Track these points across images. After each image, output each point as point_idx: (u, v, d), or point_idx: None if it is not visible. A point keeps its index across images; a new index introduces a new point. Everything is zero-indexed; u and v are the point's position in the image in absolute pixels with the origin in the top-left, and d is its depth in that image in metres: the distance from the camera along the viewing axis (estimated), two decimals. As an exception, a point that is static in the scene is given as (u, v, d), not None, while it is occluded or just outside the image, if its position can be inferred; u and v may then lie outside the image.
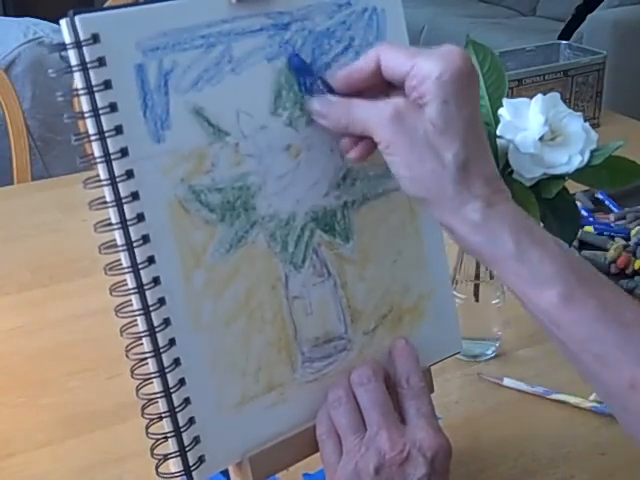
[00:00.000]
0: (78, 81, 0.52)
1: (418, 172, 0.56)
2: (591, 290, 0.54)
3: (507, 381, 0.83)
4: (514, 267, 0.55)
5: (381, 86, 0.59)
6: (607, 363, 0.53)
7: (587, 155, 0.77)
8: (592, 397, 0.80)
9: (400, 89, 0.57)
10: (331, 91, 0.60)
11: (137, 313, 0.55)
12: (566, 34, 3.18)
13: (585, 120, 0.79)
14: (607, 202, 1.18)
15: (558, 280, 0.53)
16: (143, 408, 0.56)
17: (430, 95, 0.55)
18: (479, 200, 0.55)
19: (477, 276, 0.85)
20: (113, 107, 0.52)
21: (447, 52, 0.55)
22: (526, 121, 0.78)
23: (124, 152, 0.53)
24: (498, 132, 0.78)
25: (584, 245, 1.06)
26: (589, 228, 1.09)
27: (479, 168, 0.56)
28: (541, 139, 0.77)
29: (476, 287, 0.85)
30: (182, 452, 0.57)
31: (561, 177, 0.78)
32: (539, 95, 0.79)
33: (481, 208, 0.55)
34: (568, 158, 0.77)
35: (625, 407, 0.54)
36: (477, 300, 0.85)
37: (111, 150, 0.53)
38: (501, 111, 0.79)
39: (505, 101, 0.79)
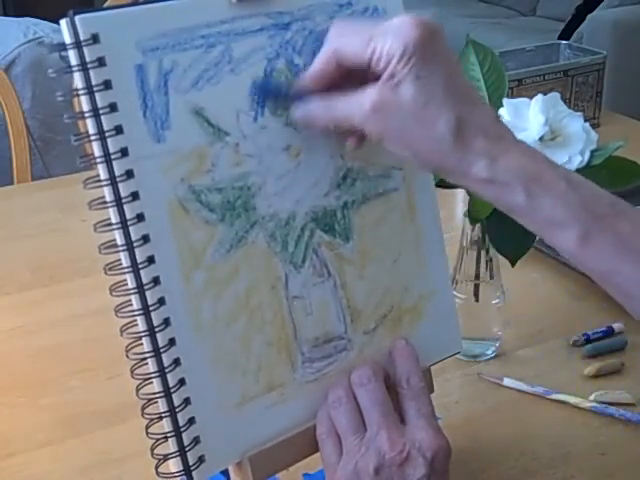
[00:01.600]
0: (78, 81, 0.52)
1: (417, 150, 0.56)
2: (607, 224, 0.54)
3: (507, 381, 0.83)
4: (529, 215, 0.55)
5: (354, 70, 0.57)
6: (630, 294, 0.55)
7: (587, 155, 0.77)
8: (592, 397, 0.80)
9: (371, 72, 0.56)
10: (305, 96, 0.59)
11: (137, 313, 0.55)
12: (566, 34, 3.18)
13: (585, 120, 0.79)
14: (607, 202, 1.18)
15: (573, 222, 0.54)
16: (143, 408, 0.56)
17: (400, 75, 0.54)
18: (483, 158, 0.55)
19: (477, 276, 0.85)
20: (113, 107, 0.52)
21: (400, 26, 0.54)
22: (526, 121, 0.78)
23: (124, 152, 0.53)
24: (498, 132, 0.77)
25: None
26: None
27: (474, 123, 0.55)
28: (541, 139, 0.77)
29: (476, 287, 0.85)
30: (182, 452, 0.57)
31: (561, 177, 0.78)
32: (539, 95, 0.79)
33: (486, 165, 0.54)
34: (568, 158, 0.77)
35: None
36: (477, 300, 0.85)
37: (111, 150, 0.53)
38: (501, 111, 0.79)
39: (505, 101, 0.79)
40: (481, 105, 0.57)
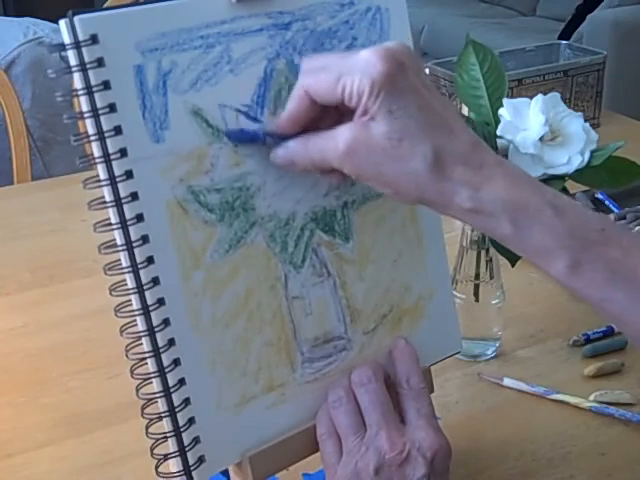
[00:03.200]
0: (77, 81, 0.52)
1: (397, 186, 0.54)
2: (597, 252, 0.53)
3: (507, 381, 0.83)
4: (517, 245, 0.54)
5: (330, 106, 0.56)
6: (624, 321, 0.54)
7: (587, 155, 0.77)
8: (592, 397, 0.80)
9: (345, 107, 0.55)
10: (285, 138, 0.58)
11: (137, 313, 0.55)
12: (566, 34, 3.18)
13: (585, 120, 0.79)
14: (607, 202, 1.18)
15: (561, 251, 0.53)
16: (143, 408, 0.56)
17: (372, 111, 0.53)
18: (464, 187, 0.53)
19: (477, 276, 0.85)
20: (112, 107, 0.52)
21: (366, 61, 0.53)
22: (526, 121, 0.78)
23: (123, 152, 0.53)
24: (498, 132, 0.78)
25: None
26: (589, 228, 1.09)
27: (452, 152, 0.53)
28: (541, 139, 0.77)
29: (476, 287, 0.85)
30: (182, 452, 0.57)
31: (561, 177, 0.78)
32: (539, 95, 0.79)
33: (469, 196, 0.53)
34: (568, 158, 0.77)
35: None
36: (477, 300, 0.85)
37: (110, 150, 0.53)
38: (501, 111, 0.79)
39: (505, 101, 0.79)
40: (458, 131, 0.55)
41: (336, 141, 0.55)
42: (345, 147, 0.54)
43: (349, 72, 0.53)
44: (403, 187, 0.54)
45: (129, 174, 0.53)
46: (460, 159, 0.54)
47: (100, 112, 0.52)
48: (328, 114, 0.57)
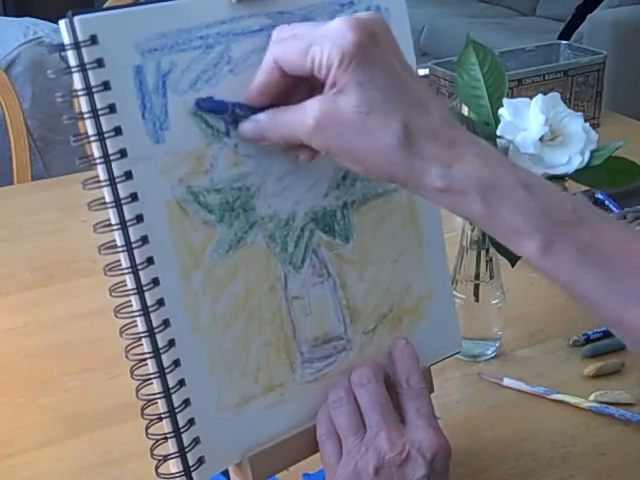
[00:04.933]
0: (77, 82, 0.52)
1: (367, 163, 0.53)
2: (567, 233, 0.52)
3: (507, 381, 0.83)
4: (488, 224, 0.53)
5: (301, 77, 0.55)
6: (593, 303, 0.53)
7: (587, 155, 0.77)
8: (592, 397, 0.80)
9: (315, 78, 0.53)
10: (254, 111, 0.56)
11: (137, 314, 0.55)
12: (566, 34, 3.18)
13: (585, 120, 0.79)
14: (607, 202, 1.18)
15: (532, 231, 0.52)
16: (143, 409, 0.56)
17: (341, 83, 0.51)
18: (435, 164, 0.52)
19: (477, 276, 0.85)
20: (112, 108, 0.52)
21: (336, 30, 0.52)
22: (526, 121, 0.78)
23: (123, 153, 0.53)
24: (498, 132, 0.78)
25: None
26: (589, 228, 1.09)
27: (422, 128, 0.52)
28: (541, 139, 0.77)
29: (476, 287, 0.85)
30: (182, 453, 0.57)
31: (561, 177, 0.78)
32: (539, 95, 0.79)
33: (440, 173, 0.52)
34: (568, 158, 0.77)
35: (622, 336, 0.55)
36: (477, 300, 0.85)
37: (110, 151, 0.53)
38: (501, 111, 0.79)
39: (505, 101, 0.79)
40: (430, 107, 0.53)
41: (305, 115, 0.53)
42: (313, 121, 0.53)
43: (319, 42, 0.52)
44: (373, 164, 0.53)
45: (129, 175, 0.53)
46: (430, 135, 0.52)
47: (100, 113, 0.52)
48: (299, 88, 0.55)
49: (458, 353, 0.74)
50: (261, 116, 0.56)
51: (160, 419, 0.56)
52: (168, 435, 0.57)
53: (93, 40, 0.51)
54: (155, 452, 0.57)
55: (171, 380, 0.56)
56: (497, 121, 0.79)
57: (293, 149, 0.58)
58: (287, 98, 0.56)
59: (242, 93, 0.58)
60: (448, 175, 0.52)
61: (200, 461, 0.58)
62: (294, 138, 0.55)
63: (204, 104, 0.56)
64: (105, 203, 0.53)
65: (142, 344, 0.55)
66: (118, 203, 0.53)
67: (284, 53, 0.54)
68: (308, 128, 0.53)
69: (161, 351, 0.55)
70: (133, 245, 0.54)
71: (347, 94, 0.52)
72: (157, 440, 0.57)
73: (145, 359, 0.55)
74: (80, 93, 0.52)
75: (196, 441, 0.57)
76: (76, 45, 0.51)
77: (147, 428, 0.56)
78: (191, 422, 0.57)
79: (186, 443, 0.57)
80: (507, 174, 0.53)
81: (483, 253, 0.84)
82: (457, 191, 0.52)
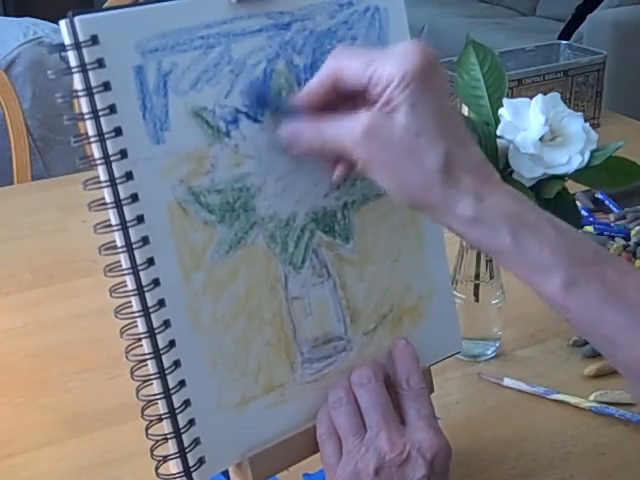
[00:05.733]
0: (77, 82, 0.52)
1: (403, 182, 0.55)
2: (593, 272, 0.53)
3: (507, 381, 0.83)
4: (514, 259, 0.54)
5: (347, 95, 0.57)
6: (616, 345, 0.53)
7: (587, 155, 0.77)
8: (592, 397, 0.80)
9: (366, 97, 0.55)
10: (297, 113, 0.58)
11: (137, 314, 0.55)
12: (566, 34, 3.18)
13: (585, 120, 0.79)
14: (607, 202, 1.18)
15: (559, 267, 0.53)
16: (143, 409, 0.56)
17: (396, 101, 0.53)
18: (469, 196, 0.53)
19: (477, 276, 0.85)
20: (112, 109, 0.52)
21: (403, 52, 0.54)
22: (526, 121, 0.78)
23: (123, 154, 0.53)
24: (498, 132, 0.78)
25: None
26: (589, 228, 1.09)
27: (463, 161, 0.54)
28: (541, 139, 0.77)
29: (476, 287, 0.85)
30: (182, 453, 0.57)
31: (561, 177, 0.78)
32: (539, 95, 0.79)
33: (472, 204, 0.53)
34: (568, 158, 0.77)
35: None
36: (477, 300, 0.85)
37: (110, 152, 0.53)
38: (501, 111, 0.79)
39: (505, 101, 0.79)
40: (470, 144, 0.56)
41: (354, 123, 0.54)
42: (363, 130, 0.54)
43: (382, 59, 0.54)
44: (409, 183, 0.54)
45: (129, 175, 0.53)
46: (470, 168, 0.54)
47: (100, 113, 0.52)
48: (343, 105, 0.57)
49: (458, 353, 0.74)
50: (304, 120, 0.57)
51: (160, 419, 0.56)
52: (168, 435, 0.57)
53: (94, 40, 0.51)
54: (155, 452, 0.57)
55: (171, 381, 0.56)
56: (497, 121, 0.79)
57: (328, 164, 0.59)
58: (334, 110, 0.57)
59: (243, 93, 0.58)
60: (480, 206, 0.53)
61: (200, 461, 0.58)
62: (336, 145, 0.56)
63: (252, 93, 0.57)
64: (105, 203, 0.53)
65: (142, 344, 0.55)
66: (118, 204, 0.53)
67: (345, 63, 0.56)
68: (355, 135, 0.54)
69: (161, 352, 0.55)
70: (134, 246, 0.54)
71: (399, 113, 0.53)
72: (157, 440, 0.57)
73: (145, 359, 0.55)
74: (80, 93, 0.52)
75: (196, 441, 0.57)
76: (77, 45, 0.51)
77: (147, 428, 0.56)
78: (191, 422, 0.57)
79: (186, 443, 0.57)
80: (535, 213, 0.54)
81: (483, 253, 0.84)
82: (487, 222, 0.53)
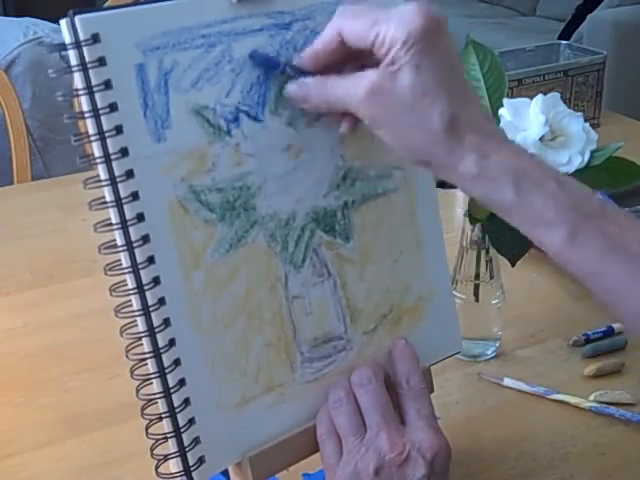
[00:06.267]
0: (78, 81, 0.52)
1: (409, 139, 0.55)
2: (596, 225, 0.53)
3: (507, 381, 0.83)
4: (517, 213, 0.55)
5: (354, 54, 0.57)
6: (619, 296, 0.54)
7: (587, 155, 0.77)
8: (592, 397, 0.80)
9: (372, 56, 0.55)
10: (304, 74, 0.58)
11: (137, 313, 0.55)
12: (566, 34, 3.18)
13: (585, 120, 0.79)
14: (607, 202, 1.18)
15: (561, 221, 0.53)
16: (143, 409, 0.56)
17: (400, 62, 0.54)
18: (473, 153, 0.54)
19: (477, 276, 0.85)
20: (113, 107, 0.52)
21: (407, 13, 0.54)
22: (526, 121, 0.78)
23: (124, 152, 0.53)
24: (498, 132, 0.77)
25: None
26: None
27: (467, 119, 0.55)
28: (541, 139, 0.77)
29: (476, 287, 0.85)
30: (182, 452, 0.57)
31: (561, 177, 0.78)
32: (539, 95, 0.79)
33: (476, 161, 0.54)
34: (568, 158, 0.77)
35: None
36: (477, 300, 0.85)
37: (111, 150, 0.53)
38: (501, 111, 0.79)
39: (505, 101, 0.79)
40: (475, 103, 0.57)
41: (359, 82, 0.55)
42: (368, 89, 0.55)
43: (386, 20, 0.54)
44: (414, 140, 0.55)
45: (130, 174, 0.53)
46: (474, 126, 0.55)
47: (101, 112, 0.52)
48: (350, 65, 0.57)
49: (458, 353, 0.74)
50: (310, 78, 0.58)
51: (160, 419, 0.56)
52: (168, 435, 0.57)
53: (95, 39, 0.51)
54: (155, 452, 0.57)
55: (171, 380, 0.56)
56: (497, 121, 0.79)
57: (335, 117, 0.60)
58: (337, 71, 0.57)
59: (244, 92, 0.58)
60: (483, 163, 0.54)
61: (200, 461, 0.58)
62: (341, 103, 0.57)
63: (257, 57, 0.58)
64: (106, 202, 0.53)
65: (142, 344, 0.55)
66: (119, 202, 0.53)
67: (349, 24, 0.56)
68: (360, 96, 0.55)
69: (161, 351, 0.55)
70: (134, 244, 0.54)
71: (403, 74, 0.54)
72: (157, 440, 0.57)
73: (145, 359, 0.55)
74: (81, 92, 0.52)
75: (196, 441, 0.57)
76: (77, 44, 0.51)
77: (147, 428, 0.56)
78: (191, 422, 0.57)
79: (186, 443, 0.57)
80: (539, 169, 0.55)
81: (483, 253, 0.84)
82: (491, 177, 0.54)
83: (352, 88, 0.56)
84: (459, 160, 0.54)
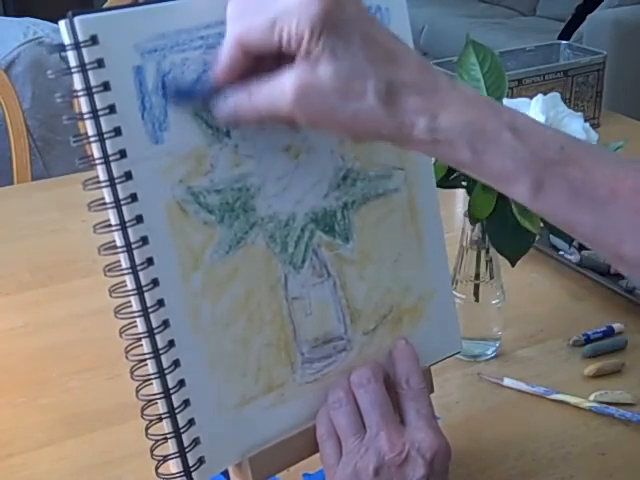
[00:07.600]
0: (77, 82, 0.52)
1: (353, 126, 0.53)
2: (558, 174, 0.51)
3: (507, 381, 0.83)
4: (478, 172, 0.53)
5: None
6: (592, 241, 0.53)
7: (587, 155, 0.77)
8: (592, 397, 0.80)
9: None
10: (222, 90, 0.55)
11: (136, 314, 0.55)
12: (566, 34, 3.19)
13: (585, 120, 0.79)
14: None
15: (523, 174, 0.51)
16: (143, 409, 0.56)
17: (315, 53, 0.51)
18: (421, 116, 0.51)
19: (477, 276, 0.85)
20: (112, 109, 0.52)
21: (299, 2, 0.50)
22: (526, 121, 0.78)
23: (123, 154, 0.53)
24: (498, 132, 0.77)
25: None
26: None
27: (402, 80, 0.52)
28: (541, 139, 0.77)
29: (476, 287, 0.85)
30: (182, 453, 0.57)
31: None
32: (539, 95, 0.79)
33: (427, 126, 0.51)
34: (568, 158, 0.77)
35: (625, 271, 0.54)
36: (477, 300, 0.85)
37: (110, 152, 0.53)
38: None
39: (505, 101, 0.79)
40: (404, 59, 0.53)
41: (283, 87, 0.52)
42: (293, 92, 0.51)
43: (283, 15, 0.51)
44: (360, 127, 0.53)
45: (128, 175, 0.53)
46: (411, 86, 0.52)
47: (100, 113, 0.52)
48: (266, 60, 0.54)
49: (458, 353, 0.74)
50: (232, 94, 0.55)
51: (160, 419, 0.56)
52: (168, 435, 0.57)
53: (93, 40, 0.51)
54: (155, 452, 0.57)
55: (171, 380, 0.56)
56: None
57: (274, 122, 0.56)
58: (255, 72, 0.54)
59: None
60: (435, 127, 0.51)
61: (200, 461, 0.58)
62: (273, 112, 0.53)
63: (170, 84, 0.55)
64: (105, 203, 0.53)
65: (142, 344, 0.55)
66: (118, 203, 0.53)
67: (247, 32, 0.53)
68: (289, 101, 0.52)
69: (161, 351, 0.55)
70: (133, 245, 0.54)
71: (323, 63, 0.51)
72: (157, 440, 0.57)
73: (145, 359, 0.55)
74: (80, 93, 0.52)
75: (196, 441, 0.57)
76: (76, 45, 0.51)
77: (147, 428, 0.56)
78: (191, 422, 0.57)
79: (186, 443, 0.57)
80: (492, 118, 0.52)
81: (483, 253, 0.84)
82: (445, 141, 0.52)
83: (278, 94, 0.52)
84: (410, 128, 0.51)
